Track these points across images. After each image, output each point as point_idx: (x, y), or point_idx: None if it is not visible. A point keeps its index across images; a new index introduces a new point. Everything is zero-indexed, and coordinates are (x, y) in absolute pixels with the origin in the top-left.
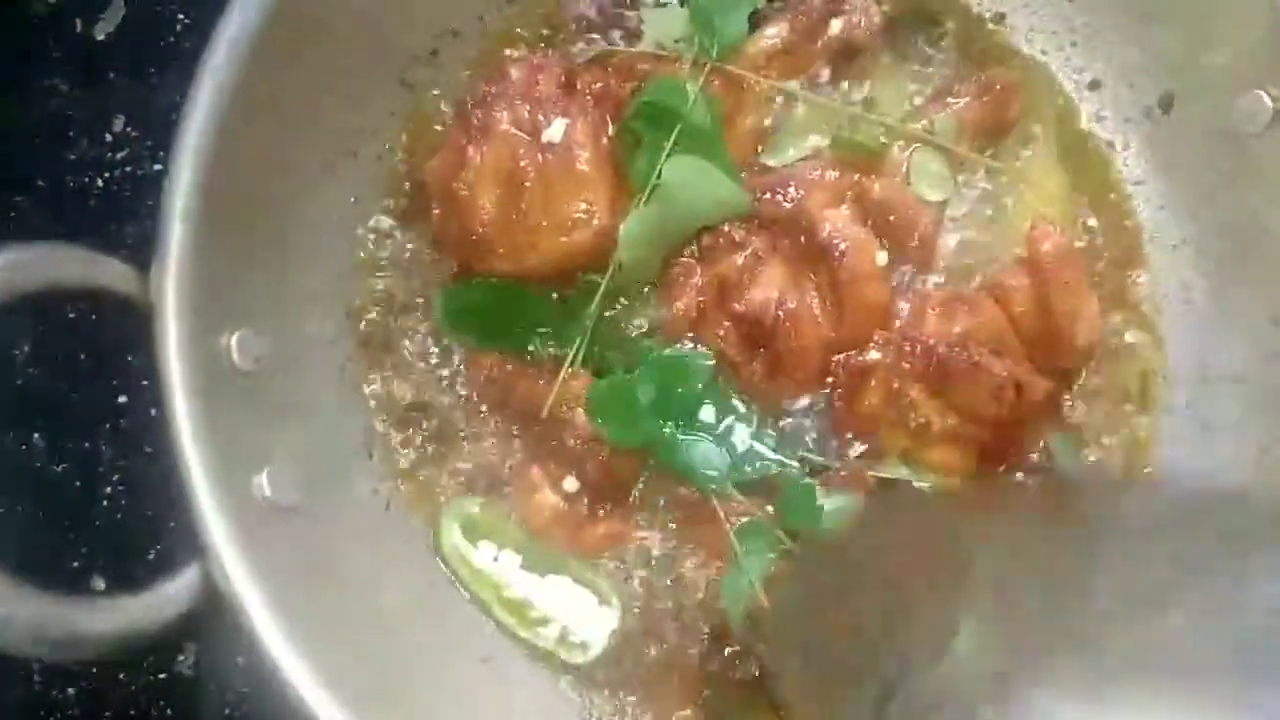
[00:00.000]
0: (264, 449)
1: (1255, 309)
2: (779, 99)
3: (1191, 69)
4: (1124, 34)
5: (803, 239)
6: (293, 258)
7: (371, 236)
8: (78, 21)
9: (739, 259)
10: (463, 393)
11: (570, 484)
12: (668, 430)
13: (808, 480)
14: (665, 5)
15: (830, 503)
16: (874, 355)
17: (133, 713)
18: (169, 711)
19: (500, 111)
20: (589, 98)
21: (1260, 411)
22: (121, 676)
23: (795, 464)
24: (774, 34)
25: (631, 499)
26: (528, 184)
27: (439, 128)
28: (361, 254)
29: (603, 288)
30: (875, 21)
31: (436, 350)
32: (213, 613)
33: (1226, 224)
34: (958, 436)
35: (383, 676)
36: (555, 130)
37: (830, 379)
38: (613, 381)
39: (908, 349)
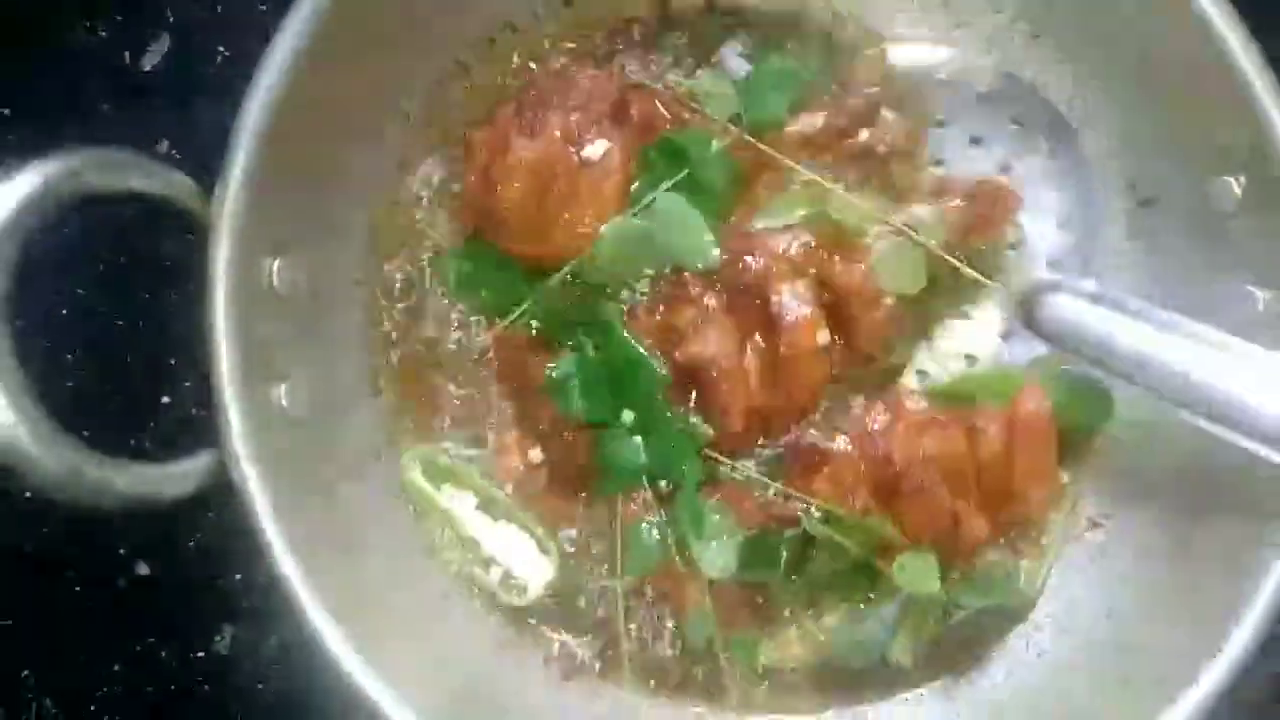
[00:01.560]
0: (285, 365)
1: None
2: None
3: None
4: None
5: (757, 303)
6: (338, 205)
7: (409, 196)
8: (127, 54)
9: (690, 311)
10: (469, 352)
11: (535, 455)
12: (608, 419)
13: (714, 501)
14: (721, 67)
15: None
16: (838, 445)
17: (172, 688)
18: (206, 688)
19: (553, 117)
20: (634, 125)
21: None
22: (163, 655)
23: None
24: (809, 123)
25: (584, 483)
26: (556, 186)
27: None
28: (399, 210)
29: (564, 271)
30: (900, 143)
31: (451, 309)
32: (221, 497)
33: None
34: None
35: (354, 586)
36: (596, 150)
37: (783, 449)
38: (579, 358)
39: (870, 453)
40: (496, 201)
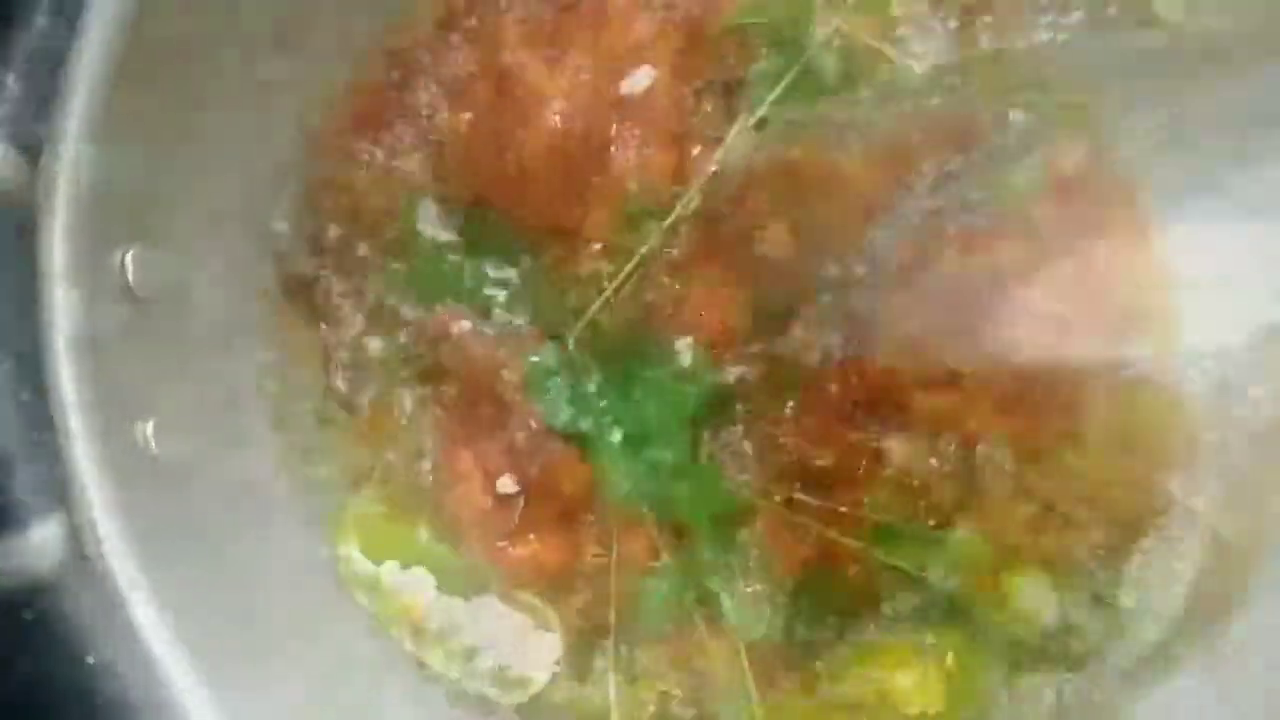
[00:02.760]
0: (152, 393)
1: None
2: None
3: None
4: None
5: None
6: (212, 174)
7: (310, 157)
8: None
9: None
10: (399, 353)
11: (506, 484)
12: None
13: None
14: None
15: None
16: (896, 443)
17: None
18: None
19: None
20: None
21: None
22: None
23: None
24: None
25: (578, 525)
26: (592, 137)
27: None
28: (297, 179)
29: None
30: None
31: (374, 301)
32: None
33: None
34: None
35: (252, 667)
36: (639, 81)
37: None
38: (562, 353)
39: (938, 447)
40: (508, 158)
